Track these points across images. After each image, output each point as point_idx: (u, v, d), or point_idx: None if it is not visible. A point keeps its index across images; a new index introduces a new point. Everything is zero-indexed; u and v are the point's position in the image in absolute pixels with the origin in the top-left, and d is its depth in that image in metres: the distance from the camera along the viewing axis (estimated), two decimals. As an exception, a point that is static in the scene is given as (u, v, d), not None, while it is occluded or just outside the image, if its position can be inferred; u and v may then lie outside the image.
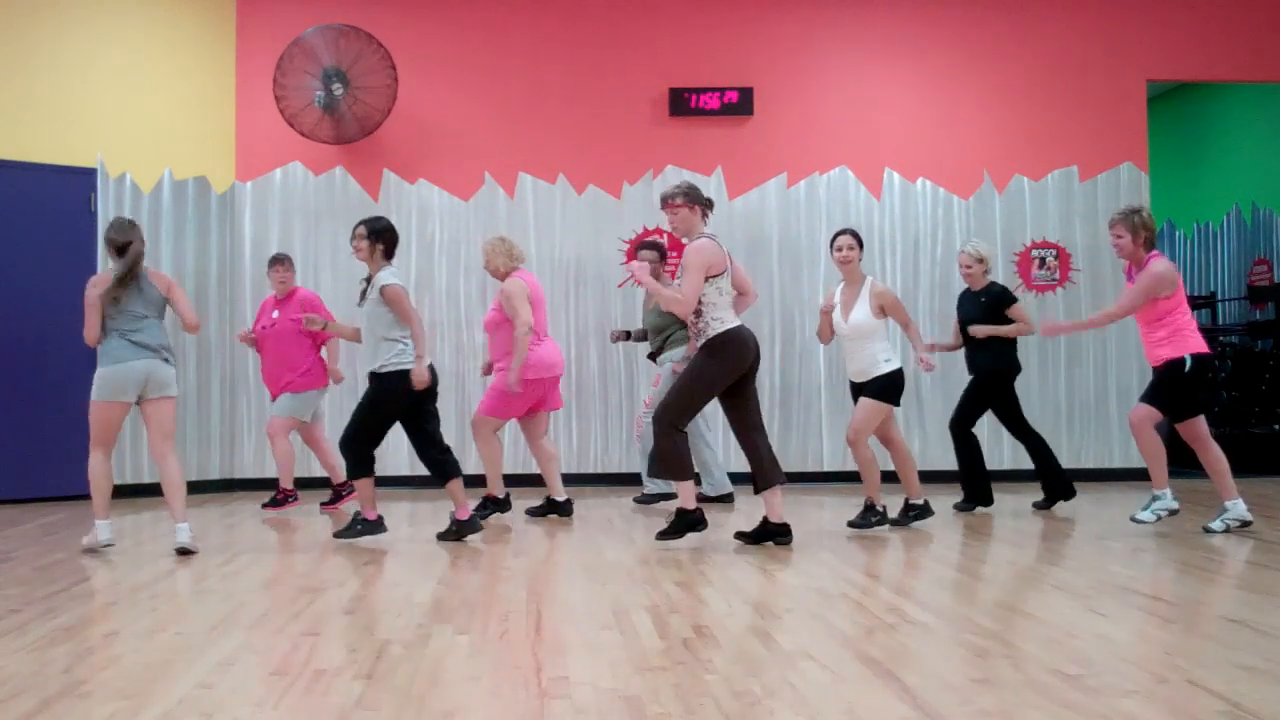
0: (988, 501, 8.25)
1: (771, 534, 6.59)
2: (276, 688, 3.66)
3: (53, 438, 9.19)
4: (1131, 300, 7.06)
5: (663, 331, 8.70)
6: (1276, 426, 11.49)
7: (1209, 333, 12.94)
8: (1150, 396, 7.07)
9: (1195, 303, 13.22)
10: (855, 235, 7.30)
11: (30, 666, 3.96)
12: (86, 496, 9.24)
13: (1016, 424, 8.30)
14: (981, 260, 8.15)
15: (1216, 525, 6.97)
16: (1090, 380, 10.59)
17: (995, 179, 10.64)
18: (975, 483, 8.23)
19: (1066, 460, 10.49)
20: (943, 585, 5.48)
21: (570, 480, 10.15)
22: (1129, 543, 6.66)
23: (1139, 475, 10.42)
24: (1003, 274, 10.56)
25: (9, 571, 6.03)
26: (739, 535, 6.67)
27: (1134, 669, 3.82)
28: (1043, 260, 10.61)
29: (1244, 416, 11.89)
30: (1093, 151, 10.65)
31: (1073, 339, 10.51)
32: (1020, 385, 10.46)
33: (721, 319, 6.48)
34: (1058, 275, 10.57)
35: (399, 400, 6.83)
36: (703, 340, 6.51)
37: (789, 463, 10.30)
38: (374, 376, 6.86)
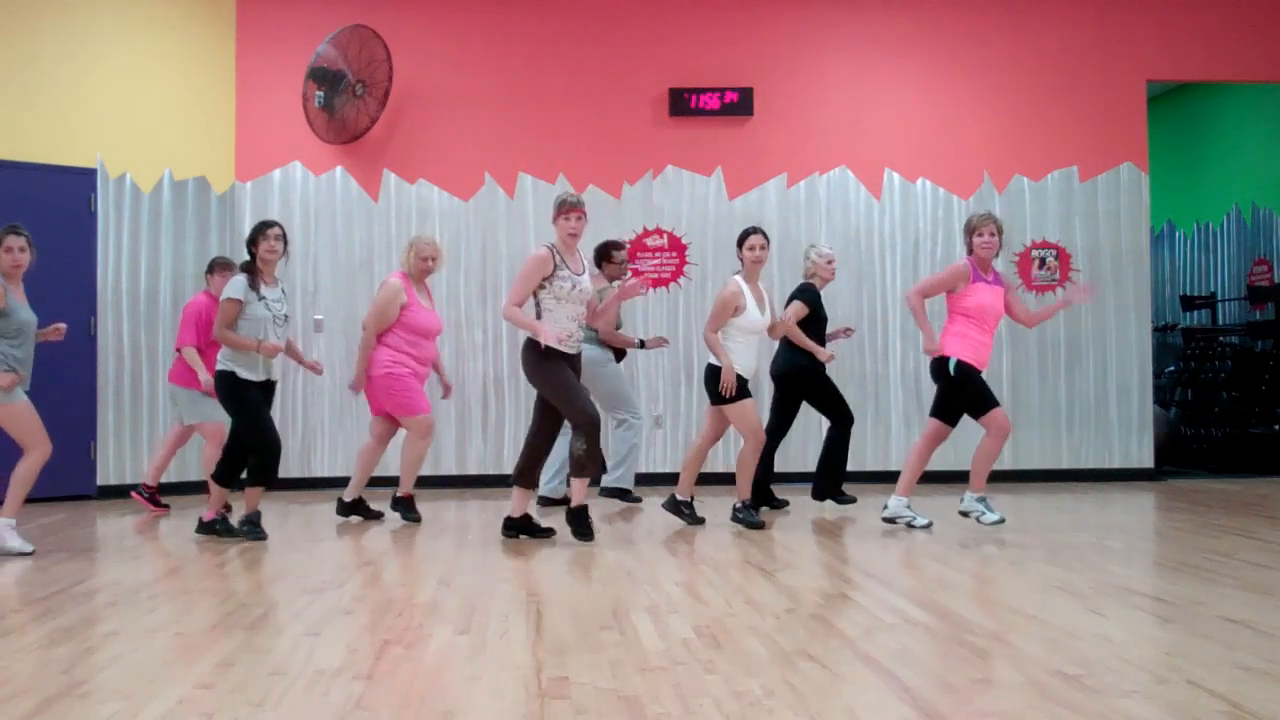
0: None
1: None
2: (276, 688, 3.66)
3: (53, 438, 9.17)
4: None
5: None
6: (1276, 426, 11.49)
7: (1209, 333, 12.96)
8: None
9: (1195, 303, 13.25)
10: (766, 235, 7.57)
11: (30, 666, 3.96)
12: (87, 497, 9.28)
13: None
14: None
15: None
16: (1090, 380, 10.59)
17: (995, 179, 10.64)
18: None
19: (1066, 460, 10.53)
20: (943, 585, 5.48)
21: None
22: (1129, 543, 6.66)
23: (1140, 475, 10.45)
24: (1002, 274, 10.56)
25: (9, 571, 6.02)
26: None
27: (1134, 669, 3.82)
28: (1043, 260, 10.61)
29: (1244, 416, 11.89)
30: (1093, 151, 10.65)
31: (1072, 338, 10.49)
32: (1021, 385, 10.52)
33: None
34: (1058, 275, 10.56)
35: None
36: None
37: (787, 462, 10.30)
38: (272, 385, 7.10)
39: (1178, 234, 14.03)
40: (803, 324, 7.99)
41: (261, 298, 6.87)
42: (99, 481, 9.43)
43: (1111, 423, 10.56)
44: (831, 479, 8.36)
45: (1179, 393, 13.03)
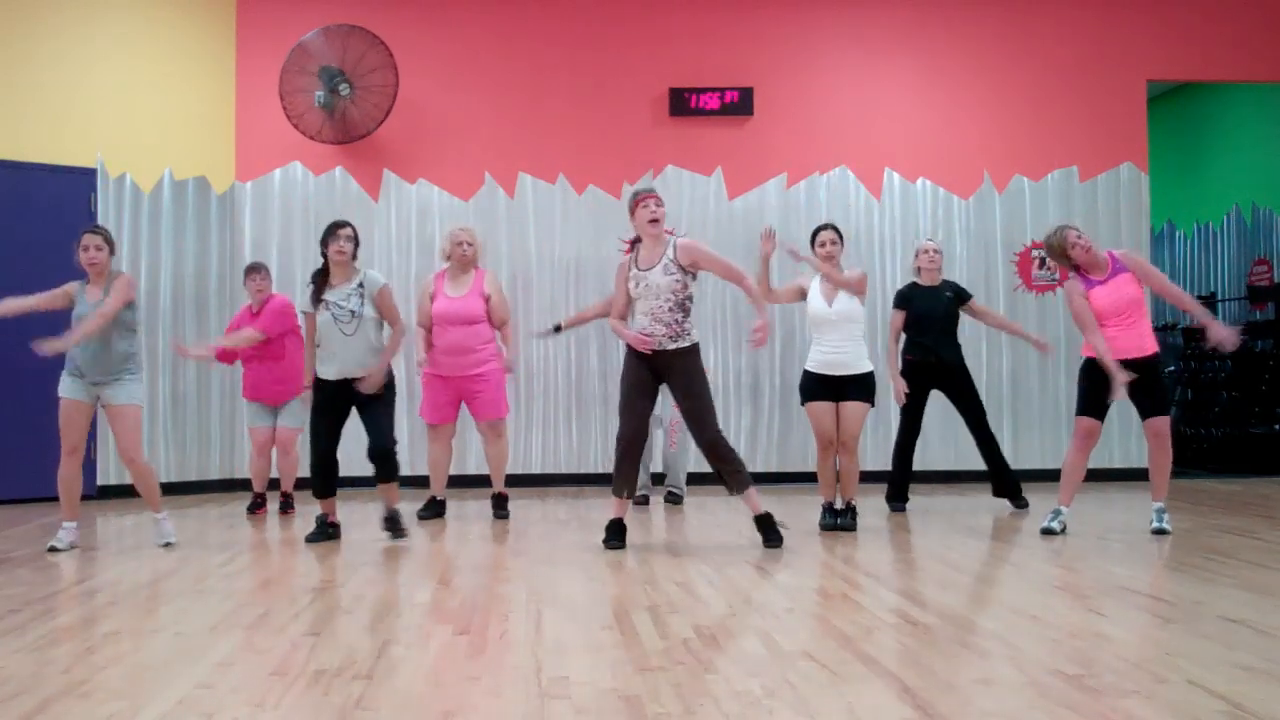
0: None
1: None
2: (276, 688, 3.66)
3: (53, 438, 9.18)
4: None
5: None
6: (1276, 426, 11.49)
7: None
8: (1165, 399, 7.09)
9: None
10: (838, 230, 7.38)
11: (30, 666, 3.96)
12: (87, 497, 9.27)
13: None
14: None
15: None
16: (1090, 380, 10.57)
17: (995, 179, 10.64)
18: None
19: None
20: (943, 585, 5.48)
21: (570, 480, 10.20)
22: (1129, 543, 6.66)
23: (1140, 475, 10.42)
24: (1002, 274, 10.58)
25: (9, 571, 6.02)
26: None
27: (1134, 669, 3.81)
28: (1043, 260, 10.60)
29: (1244, 416, 11.89)
30: (1093, 151, 10.65)
31: (1072, 338, 10.49)
32: (1021, 385, 10.53)
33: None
34: (1058, 275, 10.56)
35: None
36: (690, 342, 6.62)
37: (788, 462, 10.32)
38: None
39: (1178, 234, 14.03)
40: (906, 323, 8.09)
41: (324, 302, 6.82)
42: (99, 481, 9.43)
43: (1111, 423, 10.53)
44: (893, 484, 8.35)
45: (1179, 393, 13.03)
